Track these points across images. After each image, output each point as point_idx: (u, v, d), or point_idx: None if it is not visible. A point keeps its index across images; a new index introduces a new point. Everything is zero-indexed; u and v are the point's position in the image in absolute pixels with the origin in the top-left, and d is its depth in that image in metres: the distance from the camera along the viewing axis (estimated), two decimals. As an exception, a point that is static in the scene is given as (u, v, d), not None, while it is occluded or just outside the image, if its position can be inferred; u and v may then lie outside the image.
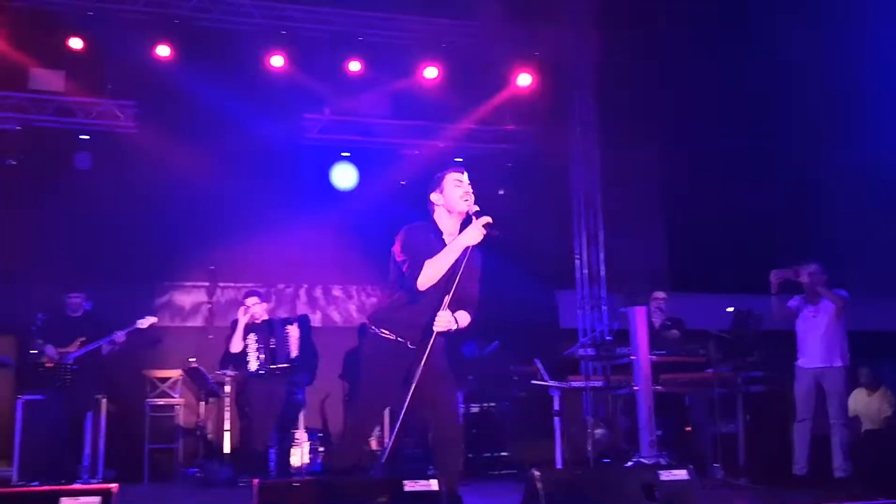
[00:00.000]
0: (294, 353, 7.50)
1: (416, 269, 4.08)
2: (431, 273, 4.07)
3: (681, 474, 4.06)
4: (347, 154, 9.96)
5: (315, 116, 9.88)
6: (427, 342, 4.06)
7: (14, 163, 9.10)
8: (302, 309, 9.97)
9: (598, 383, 7.87)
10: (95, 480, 7.72)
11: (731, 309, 7.21)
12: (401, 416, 4.12)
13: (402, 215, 9.49)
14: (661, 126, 9.87)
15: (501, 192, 10.02)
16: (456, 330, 4.16)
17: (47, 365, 7.39)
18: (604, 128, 10.04)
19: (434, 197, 4.32)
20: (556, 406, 7.64)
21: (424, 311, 4.13)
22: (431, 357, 4.08)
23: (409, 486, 3.74)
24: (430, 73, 9.68)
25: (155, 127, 9.19)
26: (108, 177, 9.13)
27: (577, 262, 10.07)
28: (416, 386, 4.07)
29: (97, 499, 3.41)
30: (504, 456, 8.87)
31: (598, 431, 7.98)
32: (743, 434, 7.02)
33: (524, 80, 9.85)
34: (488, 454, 8.87)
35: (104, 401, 8.08)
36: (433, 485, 3.81)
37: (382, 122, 10.10)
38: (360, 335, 4.16)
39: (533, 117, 10.17)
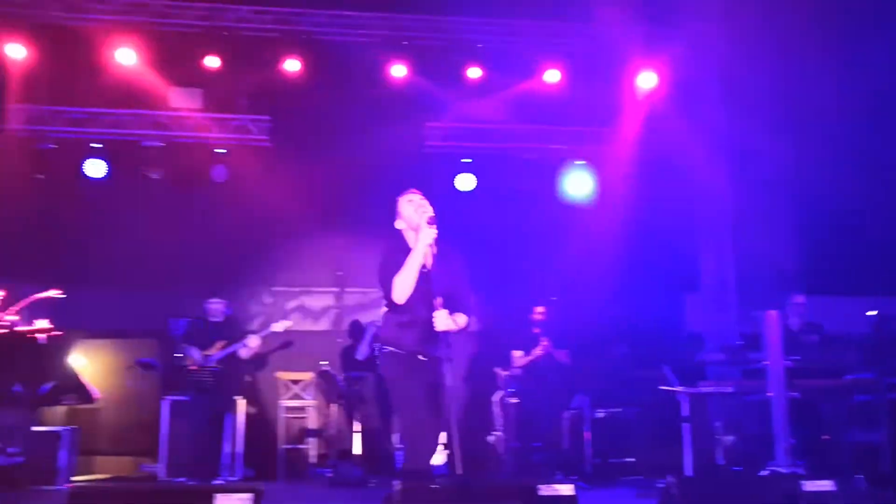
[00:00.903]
0: None
1: (390, 288, 4.31)
2: (402, 285, 4.29)
3: (825, 485, 3.92)
4: (469, 160, 10.04)
5: (437, 124, 10.03)
6: (436, 349, 4.29)
7: (156, 176, 9.63)
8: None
9: (729, 389, 7.63)
10: (234, 478, 8.08)
11: (872, 313, 6.87)
12: (453, 428, 4.25)
13: (522, 219, 9.60)
14: (793, 122, 9.49)
15: (626, 193, 9.90)
16: (460, 331, 4.38)
17: (191, 368, 7.78)
18: (732, 125, 9.75)
19: (397, 224, 4.58)
20: (685, 412, 7.48)
21: (422, 321, 4.33)
22: (441, 363, 4.31)
23: (543, 490, 3.77)
24: (552, 76, 9.64)
25: (286, 139, 9.58)
26: (244, 188, 9.58)
27: (705, 264, 9.82)
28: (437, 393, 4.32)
29: (249, 496, 3.61)
30: (630, 462, 8.74)
31: (729, 438, 7.76)
32: (889, 443, 6.67)
33: (647, 80, 9.68)
34: (614, 460, 8.76)
35: (242, 402, 8.46)
36: (566, 490, 3.83)
37: (503, 126, 10.11)
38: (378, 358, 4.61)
39: (657, 118, 9.98)
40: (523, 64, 9.74)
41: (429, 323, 4.28)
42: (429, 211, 4.41)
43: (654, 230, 9.49)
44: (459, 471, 4.52)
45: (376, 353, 7.46)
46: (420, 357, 4.36)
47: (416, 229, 4.40)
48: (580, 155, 10.11)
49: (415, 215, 4.43)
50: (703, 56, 9.66)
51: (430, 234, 4.31)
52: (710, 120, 9.82)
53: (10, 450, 7.45)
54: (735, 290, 9.67)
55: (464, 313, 4.42)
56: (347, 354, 8.86)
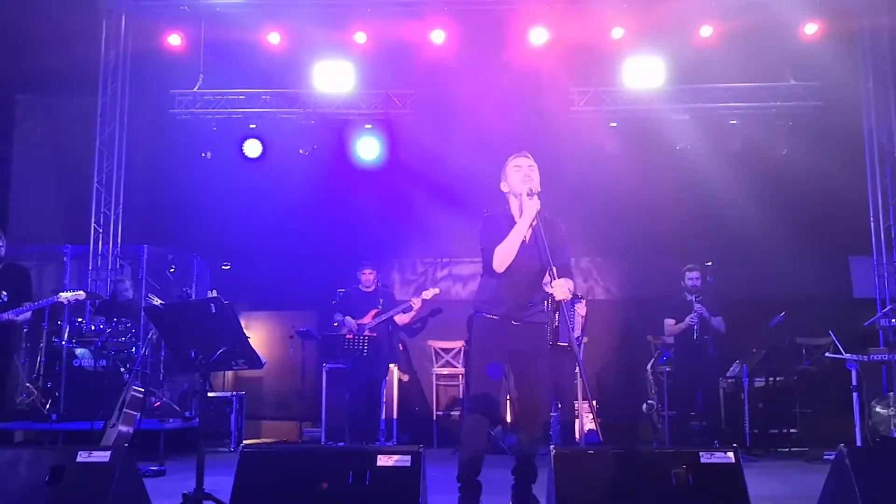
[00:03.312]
0: (577, 333, 7.24)
1: (490, 255, 4.36)
2: (502, 256, 4.32)
3: None
4: (614, 124, 9.80)
5: (581, 88, 9.83)
6: (532, 315, 4.39)
7: (305, 152, 9.97)
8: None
9: (904, 356, 7.17)
10: (391, 443, 8.34)
11: None
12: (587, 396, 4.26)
13: (678, 182, 9.25)
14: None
15: (785, 152, 9.41)
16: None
17: (347, 336, 8.05)
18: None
19: (502, 186, 4.60)
20: (854, 381, 7.10)
21: (519, 288, 4.39)
22: (538, 335, 4.41)
23: (706, 457, 3.67)
24: (706, 31, 9.21)
25: (431, 111, 9.66)
26: (390, 160, 9.78)
27: (873, 225, 9.24)
28: (511, 359, 4.42)
29: (408, 457, 3.72)
30: (793, 433, 8.39)
31: (905, 409, 7.32)
32: None
33: (810, 29, 9.10)
34: (775, 430, 8.44)
35: (395, 369, 8.69)
36: (730, 457, 3.71)
37: (650, 87, 9.78)
38: (468, 320, 4.70)
39: (816, 70, 9.38)
40: (673, 20, 9.31)
41: (525, 290, 4.39)
42: (534, 179, 4.44)
43: (815, 189, 8.93)
44: (601, 437, 4.52)
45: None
46: (513, 322, 4.42)
47: (520, 196, 4.43)
48: (733, 114, 9.64)
49: (519, 184, 4.45)
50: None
51: (533, 206, 4.33)
52: (878, 68, 9.17)
53: (187, 413, 8.03)
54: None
55: (567, 276, 4.40)
56: None
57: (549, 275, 4.24)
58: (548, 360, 4.55)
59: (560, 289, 4.19)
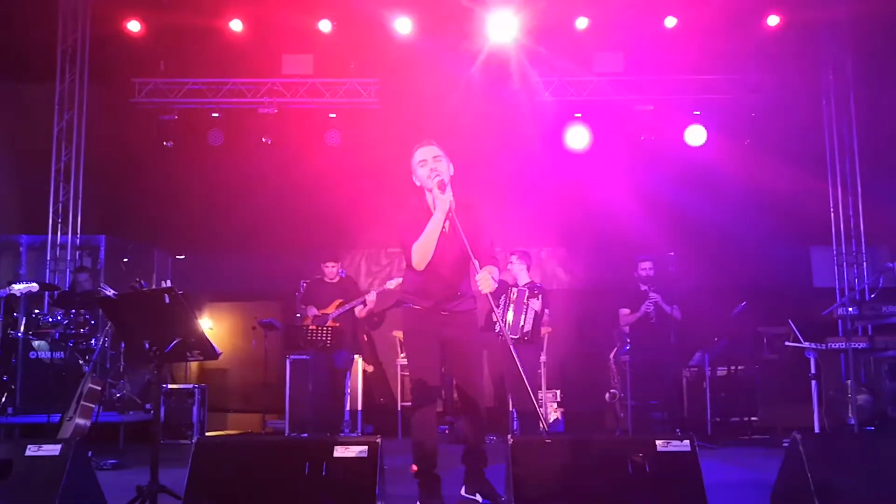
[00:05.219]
0: (527, 327, 6.97)
1: (409, 251, 4.27)
2: (420, 254, 4.24)
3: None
4: (579, 115, 9.81)
5: (547, 78, 9.81)
6: (458, 304, 4.39)
7: (268, 141, 9.86)
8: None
9: (861, 345, 7.26)
10: (355, 434, 8.30)
11: None
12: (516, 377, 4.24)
13: (641, 171, 9.27)
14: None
15: (747, 142, 9.49)
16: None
17: (310, 327, 8.00)
18: (859, 68, 9.18)
19: (414, 180, 4.47)
20: (813, 369, 7.20)
21: (444, 281, 4.35)
22: (468, 323, 4.44)
23: (662, 446, 3.68)
24: (669, 22, 9.24)
25: (396, 101, 9.58)
26: (355, 151, 9.69)
27: (833, 215, 9.35)
28: (444, 350, 4.40)
29: (364, 448, 3.70)
30: (754, 421, 8.49)
31: (861, 397, 7.41)
32: None
33: (772, 21, 9.17)
34: (737, 419, 8.53)
35: (360, 360, 8.65)
36: (685, 445, 3.73)
37: (615, 79, 9.80)
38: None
39: (777, 62, 9.47)
40: (636, 11, 9.34)
41: (449, 281, 4.35)
42: (442, 171, 4.29)
43: (777, 180, 9.03)
44: (545, 426, 4.51)
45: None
46: (442, 312, 4.39)
47: (432, 190, 4.28)
48: (696, 105, 9.70)
49: (427, 180, 4.30)
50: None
51: (445, 201, 4.17)
52: (838, 61, 9.27)
53: (147, 406, 7.93)
54: (865, 240, 9.21)
55: (491, 264, 4.29)
56: None
57: (476, 266, 4.14)
58: (483, 347, 4.51)
59: (484, 282, 4.09)
